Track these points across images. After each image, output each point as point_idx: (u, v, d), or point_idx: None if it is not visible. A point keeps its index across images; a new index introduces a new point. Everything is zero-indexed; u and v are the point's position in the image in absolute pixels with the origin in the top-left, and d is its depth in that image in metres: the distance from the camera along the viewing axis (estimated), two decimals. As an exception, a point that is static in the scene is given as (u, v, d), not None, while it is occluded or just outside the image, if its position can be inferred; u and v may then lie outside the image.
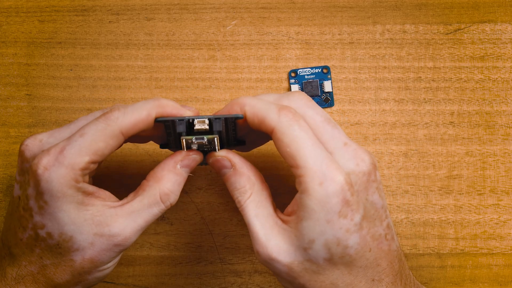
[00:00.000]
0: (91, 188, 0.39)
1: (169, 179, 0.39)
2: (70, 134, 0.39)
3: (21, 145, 0.40)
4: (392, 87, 0.48)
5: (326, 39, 0.49)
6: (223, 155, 0.39)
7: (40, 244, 0.38)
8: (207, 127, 0.39)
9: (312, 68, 0.48)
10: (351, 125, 0.48)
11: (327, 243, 0.35)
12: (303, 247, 0.35)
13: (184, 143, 0.40)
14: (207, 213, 0.48)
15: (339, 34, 0.49)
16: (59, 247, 0.38)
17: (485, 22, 0.49)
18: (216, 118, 0.39)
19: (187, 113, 0.40)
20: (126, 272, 0.48)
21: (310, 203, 0.35)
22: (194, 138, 0.40)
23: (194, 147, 0.41)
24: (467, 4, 0.49)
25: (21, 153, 0.39)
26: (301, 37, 0.49)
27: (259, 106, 0.37)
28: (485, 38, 0.49)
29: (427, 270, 0.47)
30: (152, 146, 0.48)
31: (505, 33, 0.49)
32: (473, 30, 0.49)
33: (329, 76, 0.48)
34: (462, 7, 0.49)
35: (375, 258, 0.36)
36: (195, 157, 0.41)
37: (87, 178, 0.38)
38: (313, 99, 0.48)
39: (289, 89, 0.48)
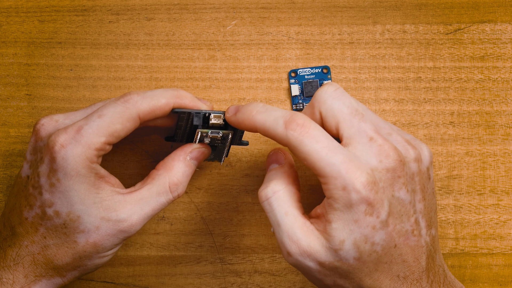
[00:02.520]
0: (103, 171, 0.39)
1: (179, 169, 0.40)
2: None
3: (36, 124, 0.40)
4: (392, 87, 0.48)
5: (326, 39, 0.49)
6: (282, 151, 0.40)
7: (45, 223, 0.38)
8: (222, 122, 0.40)
9: (312, 68, 0.48)
10: (351, 125, 0.48)
11: (356, 241, 0.35)
12: (334, 248, 0.36)
13: (199, 136, 0.41)
14: (207, 213, 0.48)
15: (339, 34, 0.49)
16: (65, 227, 0.38)
17: (485, 22, 0.49)
18: None
19: (203, 106, 0.41)
20: (126, 272, 0.48)
21: (338, 206, 0.35)
22: (210, 131, 0.40)
23: (207, 141, 0.41)
24: (467, 4, 0.49)
25: (36, 132, 0.40)
26: (301, 37, 0.49)
27: (267, 123, 0.37)
28: (485, 38, 0.49)
29: (427, 270, 0.47)
30: (152, 147, 0.48)
31: (505, 33, 0.49)
32: (473, 30, 0.49)
33: (329, 76, 0.48)
34: (462, 7, 0.49)
35: (401, 254, 0.36)
36: (204, 151, 0.42)
37: (100, 160, 0.39)
38: (313, 99, 0.48)
39: (289, 89, 0.48)
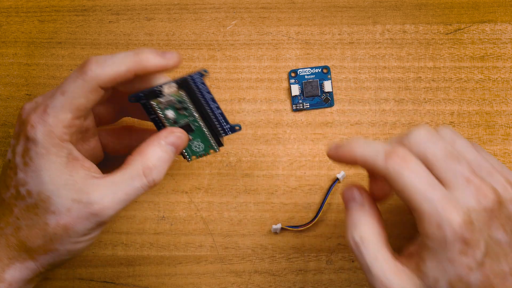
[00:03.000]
0: (77, 153, 0.39)
1: (153, 153, 0.40)
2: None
3: (20, 109, 0.40)
4: (392, 87, 0.48)
5: (326, 39, 0.49)
6: (357, 187, 0.39)
7: (19, 203, 0.38)
8: (176, 89, 0.40)
9: (312, 68, 0.48)
10: (351, 125, 0.48)
11: (451, 281, 0.35)
12: (428, 286, 0.35)
13: (158, 109, 0.41)
14: (207, 213, 0.48)
15: (339, 34, 0.49)
16: (36, 207, 0.38)
17: (485, 22, 0.49)
18: (181, 79, 0.40)
19: (169, 62, 0.40)
20: (126, 272, 0.48)
21: (432, 245, 0.35)
22: (162, 98, 0.40)
23: (170, 114, 0.41)
24: (467, 4, 0.49)
25: (18, 117, 0.40)
26: (301, 37, 0.49)
27: (367, 155, 0.36)
28: (485, 38, 0.49)
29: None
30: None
31: (505, 33, 0.49)
32: (473, 30, 0.49)
33: (329, 76, 0.48)
34: (462, 7, 0.49)
35: None
36: (180, 135, 0.41)
37: (73, 138, 0.39)
38: (313, 99, 0.48)
39: (289, 89, 0.48)
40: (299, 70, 0.48)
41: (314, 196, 0.48)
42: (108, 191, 0.39)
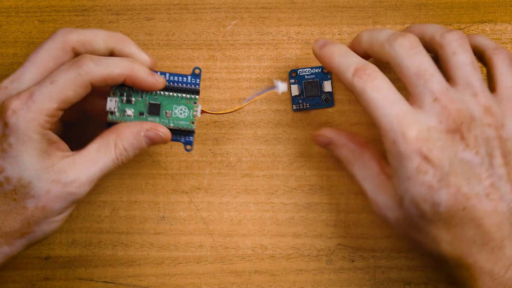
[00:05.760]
0: (55, 137, 0.39)
1: (127, 138, 0.40)
2: (32, 75, 0.40)
3: None
4: (392, 87, 0.48)
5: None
6: (321, 133, 0.43)
7: None
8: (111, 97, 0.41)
9: (312, 68, 0.48)
10: (351, 125, 0.48)
11: (413, 200, 0.35)
12: (398, 204, 0.36)
13: (116, 120, 0.41)
14: (207, 213, 0.48)
15: (339, 34, 0.49)
16: (15, 193, 0.38)
17: (485, 22, 0.49)
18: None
19: (157, 83, 0.40)
20: (126, 272, 0.48)
21: (391, 161, 0.35)
22: (111, 110, 0.41)
23: (130, 112, 0.41)
24: (467, 4, 0.49)
25: None
26: (301, 37, 0.49)
27: (340, 66, 0.38)
28: (485, 38, 0.49)
29: (427, 270, 0.47)
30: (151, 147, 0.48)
31: (505, 33, 0.49)
32: (473, 30, 0.49)
33: (329, 76, 0.48)
34: (462, 7, 0.49)
35: (473, 218, 0.35)
36: (162, 135, 0.41)
37: (53, 126, 0.39)
38: (313, 99, 0.48)
39: (289, 89, 0.48)
40: (299, 70, 0.48)
41: (314, 196, 0.48)
42: (84, 169, 0.39)
